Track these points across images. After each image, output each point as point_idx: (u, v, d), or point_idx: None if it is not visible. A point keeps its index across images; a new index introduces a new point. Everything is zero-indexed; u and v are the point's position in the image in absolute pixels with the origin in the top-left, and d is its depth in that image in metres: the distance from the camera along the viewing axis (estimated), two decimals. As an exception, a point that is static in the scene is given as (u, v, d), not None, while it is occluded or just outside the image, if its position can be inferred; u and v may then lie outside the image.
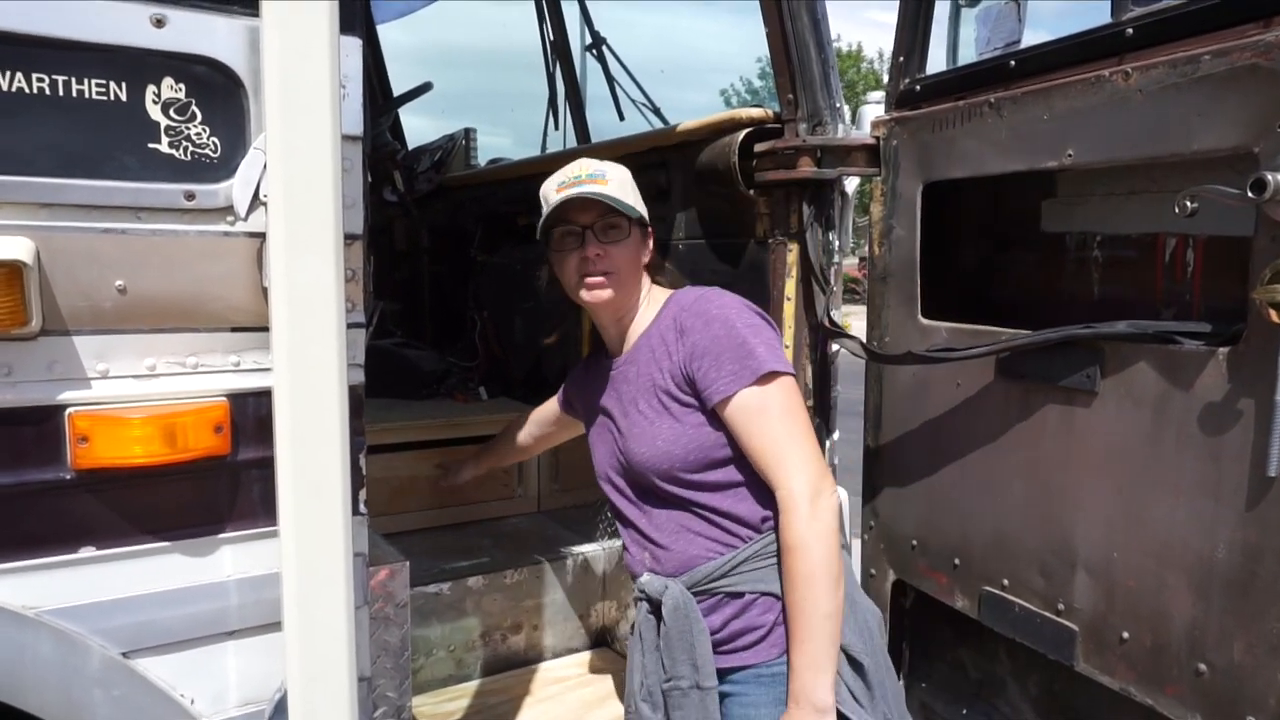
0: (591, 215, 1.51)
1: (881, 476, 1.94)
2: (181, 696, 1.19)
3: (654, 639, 1.48)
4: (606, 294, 1.52)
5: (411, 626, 2.29)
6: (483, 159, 3.54)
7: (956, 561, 1.75)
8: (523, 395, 3.05)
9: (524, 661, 2.46)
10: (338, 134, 1.13)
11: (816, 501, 1.37)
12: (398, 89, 4.02)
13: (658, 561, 1.51)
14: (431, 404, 2.92)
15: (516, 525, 2.75)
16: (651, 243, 1.62)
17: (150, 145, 1.10)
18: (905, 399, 1.86)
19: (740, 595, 1.44)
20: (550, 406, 2.12)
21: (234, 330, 1.18)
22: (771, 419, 1.41)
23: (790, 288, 1.92)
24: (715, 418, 1.45)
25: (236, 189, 1.10)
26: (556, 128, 3.44)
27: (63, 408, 1.09)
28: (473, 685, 2.36)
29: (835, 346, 1.94)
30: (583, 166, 1.54)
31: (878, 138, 1.85)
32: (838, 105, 1.85)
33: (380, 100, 3.86)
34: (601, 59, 3.15)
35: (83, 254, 1.08)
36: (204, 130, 1.13)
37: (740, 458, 1.45)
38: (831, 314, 1.87)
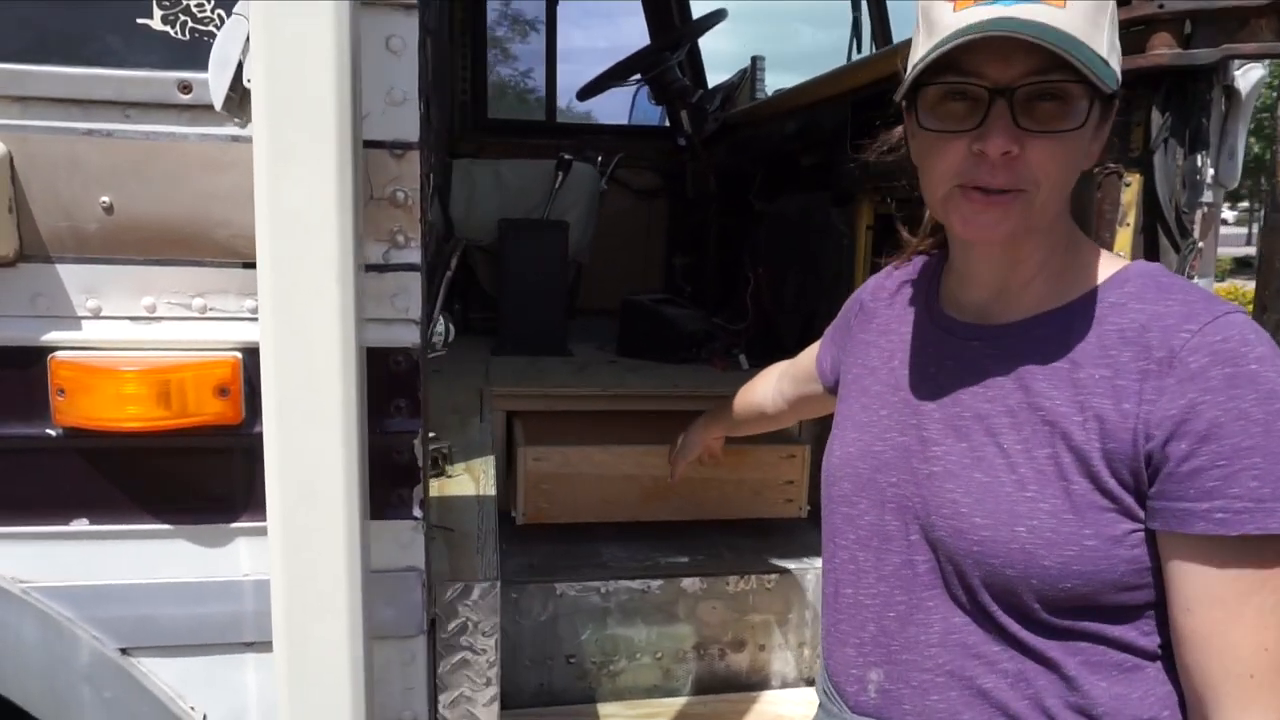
0: (1019, 69, 0.76)
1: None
2: (191, 710, 0.98)
3: None
4: (1003, 226, 0.80)
5: (615, 625, 2.02)
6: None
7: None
8: (789, 367, 2.60)
9: (744, 685, 2.06)
10: (345, -10, 0.79)
11: None
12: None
13: (885, 702, 0.91)
14: (685, 369, 2.59)
15: (772, 526, 2.29)
16: (1108, 128, 0.85)
17: (139, 21, 0.86)
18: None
19: None
20: (807, 358, 1.36)
21: (247, 266, 0.92)
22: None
23: (1123, 240, 1.26)
24: (1150, 537, 0.78)
25: (212, 71, 0.82)
26: (859, 51, 2.87)
27: (48, 350, 0.90)
28: (678, 702, 2.01)
29: (1194, 335, 1.24)
30: None
31: (1304, -10, 1.12)
32: (1231, -54, 1.14)
33: (678, 20, 3.54)
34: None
35: (62, 161, 0.87)
36: (208, 0, 0.87)
37: (1142, 608, 0.80)
38: (1190, 280, 1.19)
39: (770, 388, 1.55)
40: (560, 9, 4.06)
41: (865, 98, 2.11)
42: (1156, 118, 1.20)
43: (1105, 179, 1.28)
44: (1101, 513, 0.77)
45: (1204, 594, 0.74)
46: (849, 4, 2.90)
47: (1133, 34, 1.20)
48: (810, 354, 1.34)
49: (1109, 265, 0.85)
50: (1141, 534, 0.77)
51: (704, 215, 3.51)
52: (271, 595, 0.87)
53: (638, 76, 3.36)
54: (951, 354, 0.90)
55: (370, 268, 0.92)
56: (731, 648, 2.05)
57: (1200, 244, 1.22)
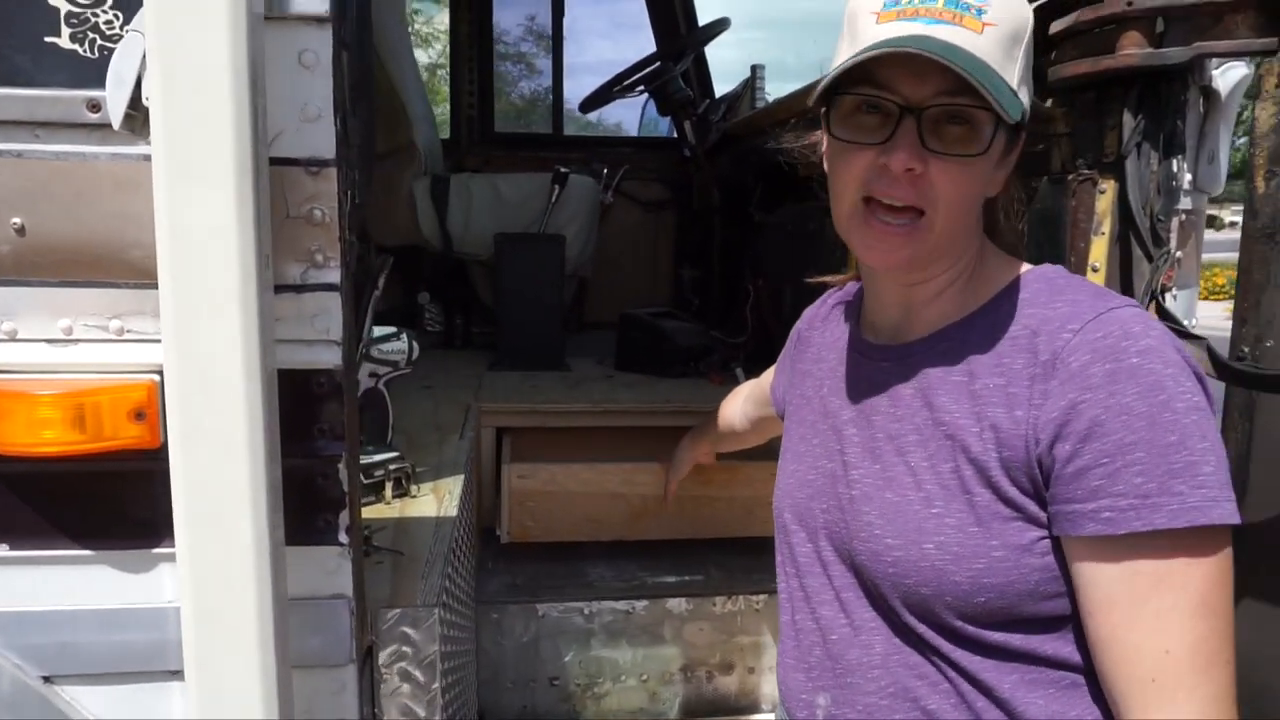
0: (930, 89, 0.75)
1: (1245, 573, 1.16)
2: (117, 740, 0.96)
3: None
4: (901, 253, 0.79)
5: (600, 646, 1.98)
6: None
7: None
8: (787, 381, 2.55)
9: (733, 709, 2.01)
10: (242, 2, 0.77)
11: None
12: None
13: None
14: (682, 384, 2.55)
15: (762, 545, 2.22)
16: (1015, 157, 0.86)
17: (47, 39, 0.85)
18: (1305, 447, 1.07)
19: None
20: (765, 382, 1.36)
21: (163, 287, 0.90)
22: (1179, 611, 0.70)
23: (1098, 250, 1.21)
24: (1059, 543, 0.76)
25: (109, 89, 0.80)
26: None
27: (-38, 375, 0.89)
28: (665, 726, 1.97)
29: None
30: None
31: (1279, -16, 1.06)
32: (1204, -60, 1.09)
33: (683, 30, 3.51)
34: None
35: (-28, 184, 0.86)
36: (116, 17, 0.85)
37: (1068, 619, 0.77)
38: (1164, 294, 1.13)
39: (738, 408, 1.54)
40: (569, 21, 4.06)
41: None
42: (1129, 121, 1.15)
43: (1080, 185, 1.23)
44: (1006, 522, 0.75)
45: (1103, 597, 0.72)
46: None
47: (1103, 34, 1.15)
48: (767, 378, 1.33)
49: (1012, 272, 0.83)
50: (1049, 541, 0.75)
51: (709, 227, 3.48)
52: (181, 624, 0.85)
53: (641, 87, 3.33)
54: (866, 377, 0.90)
55: (287, 288, 0.90)
56: (720, 670, 2.00)
57: (1179, 254, 1.16)
